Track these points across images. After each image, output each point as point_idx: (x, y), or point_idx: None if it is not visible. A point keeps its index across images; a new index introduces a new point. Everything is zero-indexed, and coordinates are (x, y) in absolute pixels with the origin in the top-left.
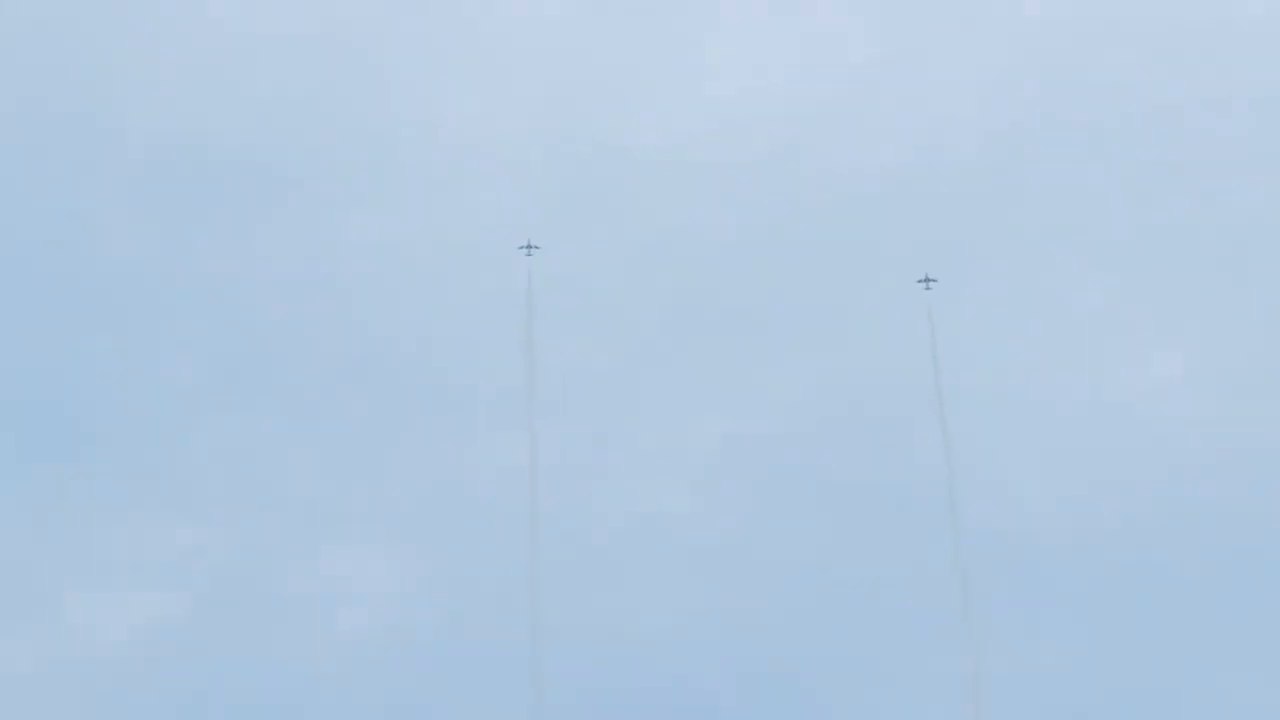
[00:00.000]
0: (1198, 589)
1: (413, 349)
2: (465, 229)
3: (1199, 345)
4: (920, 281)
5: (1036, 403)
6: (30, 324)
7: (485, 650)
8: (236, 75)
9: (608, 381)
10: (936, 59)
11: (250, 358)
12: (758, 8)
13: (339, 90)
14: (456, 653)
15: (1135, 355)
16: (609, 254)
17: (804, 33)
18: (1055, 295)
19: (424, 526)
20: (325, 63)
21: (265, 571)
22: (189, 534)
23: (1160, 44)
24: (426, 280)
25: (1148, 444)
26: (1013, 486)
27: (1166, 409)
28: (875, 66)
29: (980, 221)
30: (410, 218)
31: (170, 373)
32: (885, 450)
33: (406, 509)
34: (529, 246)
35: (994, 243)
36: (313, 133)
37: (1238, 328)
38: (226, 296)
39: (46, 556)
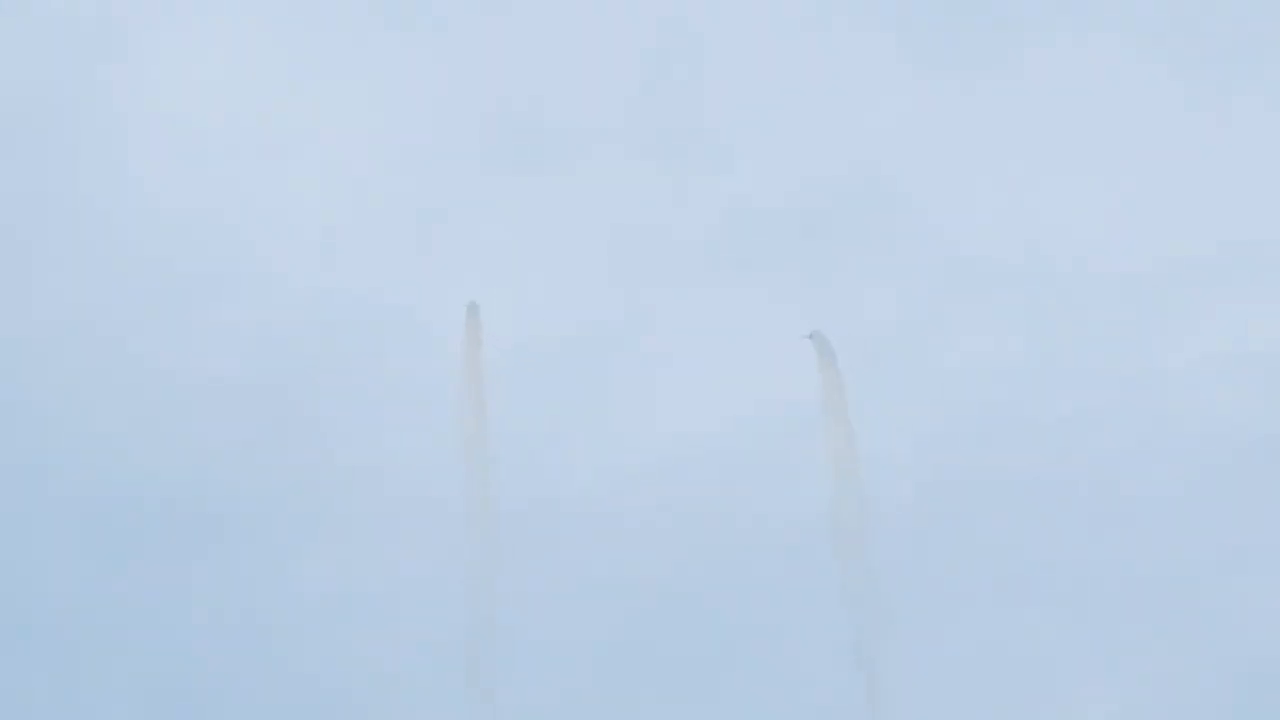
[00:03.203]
0: None
1: (358, 693)
2: (410, 572)
3: (1136, 695)
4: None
5: None
6: None
7: None
8: (173, 421)
9: None
10: (872, 403)
11: (188, 703)
12: (695, 354)
13: (276, 436)
14: None
15: (1076, 705)
16: (549, 599)
17: (739, 375)
18: (993, 646)
19: None
20: (263, 408)
21: None
22: None
23: (1095, 393)
24: (371, 625)
25: None
26: None
27: None
28: (814, 410)
29: (916, 571)
30: (353, 562)
31: (106, 716)
32: None
33: None
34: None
35: (931, 593)
36: (251, 478)
37: (1176, 680)
38: (164, 640)
39: None
